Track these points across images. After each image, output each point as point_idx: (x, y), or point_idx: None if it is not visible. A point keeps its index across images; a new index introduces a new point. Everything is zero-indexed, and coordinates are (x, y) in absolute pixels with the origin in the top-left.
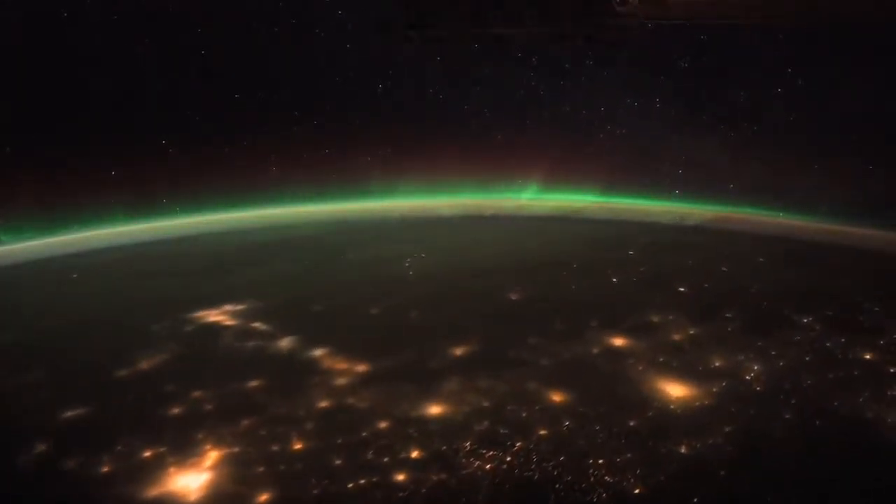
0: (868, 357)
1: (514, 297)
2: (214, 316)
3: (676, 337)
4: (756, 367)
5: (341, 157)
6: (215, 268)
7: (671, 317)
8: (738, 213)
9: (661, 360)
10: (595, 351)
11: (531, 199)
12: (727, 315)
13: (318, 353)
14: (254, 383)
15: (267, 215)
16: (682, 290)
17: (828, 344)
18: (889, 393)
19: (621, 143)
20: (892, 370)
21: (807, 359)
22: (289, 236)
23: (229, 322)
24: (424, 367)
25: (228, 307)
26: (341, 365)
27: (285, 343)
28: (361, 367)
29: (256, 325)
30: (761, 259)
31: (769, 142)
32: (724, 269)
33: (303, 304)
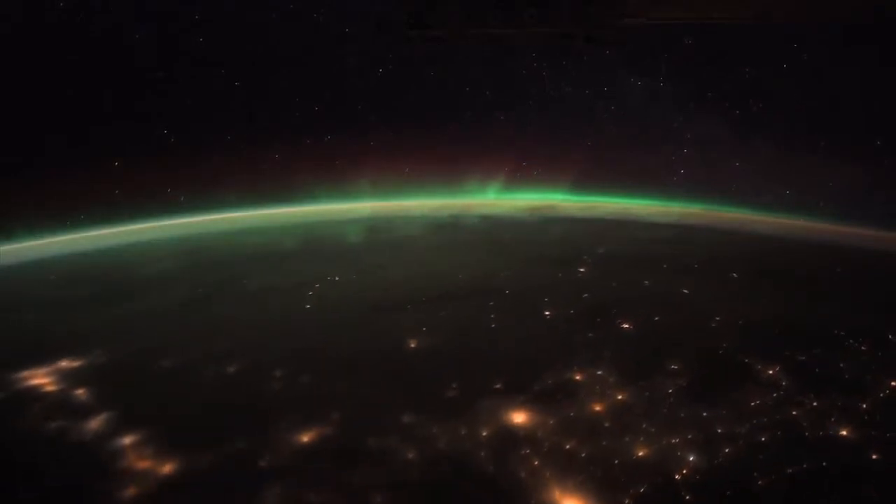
0: (844, 434)
1: (413, 344)
2: (40, 377)
3: (598, 407)
4: (692, 459)
5: (341, 147)
6: (89, 300)
7: (600, 372)
8: (729, 212)
9: (568, 447)
10: (484, 433)
11: (502, 197)
12: (672, 367)
13: (127, 440)
14: (24, 495)
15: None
16: (625, 326)
17: (794, 412)
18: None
19: (617, 128)
20: (874, 457)
21: (762, 439)
22: (204, 253)
23: (51, 387)
24: (252, 465)
25: (64, 363)
26: (144, 463)
27: (95, 424)
28: (168, 467)
29: (79, 392)
30: (735, 274)
31: (769, 130)
32: (685, 291)
33: (153, 358)
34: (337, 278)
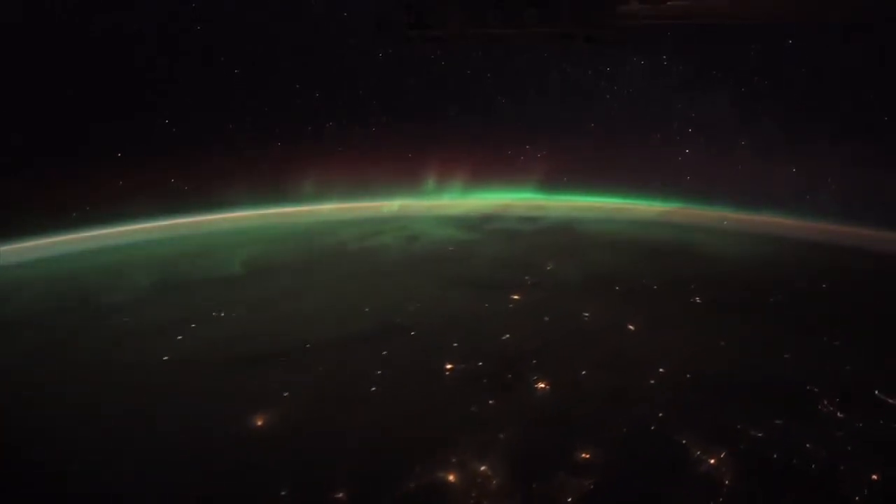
0: None
1: (259, 421)
2: None
3: None
4: None
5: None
6: None
7: (484, 467)
8: (713, 211)
9: None
10: None
11: (463, 197)
12: (583, 455)
13: None
14: None
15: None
16: (539, 387)
17: None
18: None
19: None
20: None
21: None
22: (96, 276)
23: None
24: None
25: None
26: None
27: None
28: None
29: None
30: (698, 299)
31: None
32: (630, 327)
33: None
34: (221, 314)
